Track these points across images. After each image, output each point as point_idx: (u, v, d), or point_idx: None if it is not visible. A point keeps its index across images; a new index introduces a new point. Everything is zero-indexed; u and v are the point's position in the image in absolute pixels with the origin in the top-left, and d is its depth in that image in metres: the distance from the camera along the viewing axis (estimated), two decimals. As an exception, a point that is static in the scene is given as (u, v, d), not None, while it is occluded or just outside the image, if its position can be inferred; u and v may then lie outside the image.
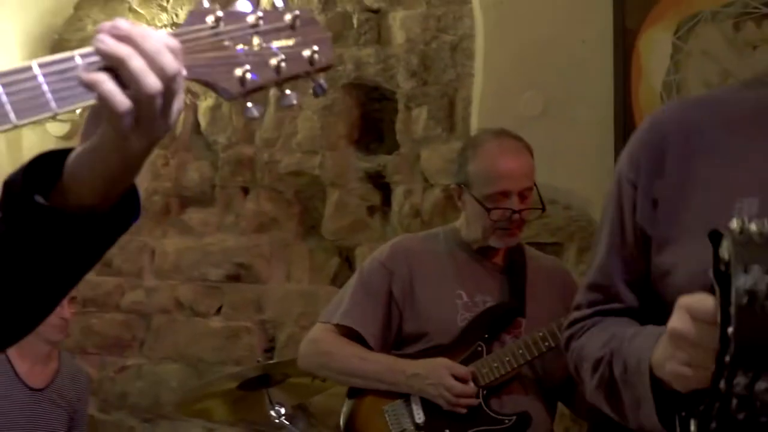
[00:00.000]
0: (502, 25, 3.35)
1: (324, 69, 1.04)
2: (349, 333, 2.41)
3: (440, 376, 2.31)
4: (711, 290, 1.03)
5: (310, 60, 1.02)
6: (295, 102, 1.04)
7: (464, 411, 2.31)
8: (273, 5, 1.04)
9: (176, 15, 3.97)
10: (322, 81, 1.05)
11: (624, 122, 3.15)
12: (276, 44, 1.01)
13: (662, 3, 3.15)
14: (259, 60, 0.99)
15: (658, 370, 1.16)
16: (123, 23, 0.91)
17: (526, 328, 2.41)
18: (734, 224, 1.02)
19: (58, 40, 4.17)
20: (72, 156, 0.94)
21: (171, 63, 0.89)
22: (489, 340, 2.38)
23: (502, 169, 2.36)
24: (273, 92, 1.03)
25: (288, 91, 1.03)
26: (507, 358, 2.33)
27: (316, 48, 1.03)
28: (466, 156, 2.44)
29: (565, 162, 3.14)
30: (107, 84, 0.88)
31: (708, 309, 1.01)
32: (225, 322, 3.80)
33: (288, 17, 1.03)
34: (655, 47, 3.11)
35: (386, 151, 3.60)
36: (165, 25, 3.93)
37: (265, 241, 3.74)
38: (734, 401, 0.97)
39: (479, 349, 2.37)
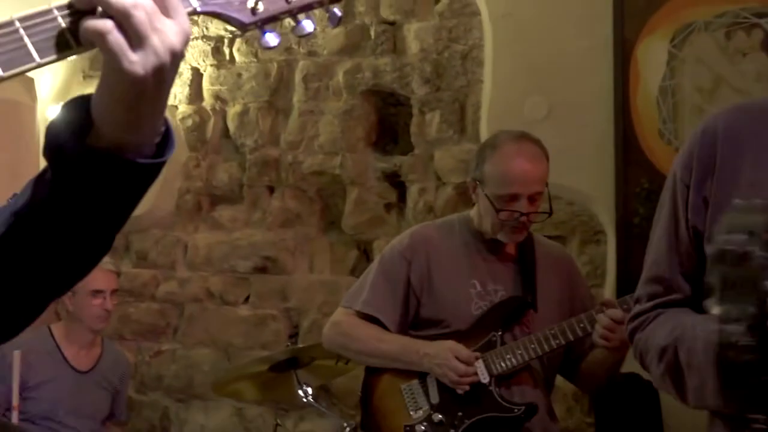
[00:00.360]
0: (509, 36, 3.36)
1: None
2: (370, 318, 2.43)
3: (446, 357, 2.31)
4: None
5: None
6: (310, 30, 0.97)
7: (467, 389, 2.32)
8: None
9: (207, 29, 3.95)
10: (336, 9, 0.98)
11: (623, 124, 3.18)
12: None
13: (658, 14, 3.18)
14: None
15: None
16: None
17: (536, 320, 2.41)
18: None
19: (96, 54, 4.16)
20: (93, 98, 0.90)
21: None
22: (503, 331, 2.39)
23: (515, 174, 2.33)
24: (288, 22, 0.97)
25: (302, 21, 0.96)
26: (519, 351, 2.34)
27: None
28: (485, 155, 2.42)
29: (568, 161, 3.12)
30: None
31: None
32: (252, 310, 3.80)
33: None
34: (651, 55, 3.15)
35: (401, 152, 3.64)
36: (197, 38, 3.96)
37: (289, 236, 3.76)
38: None
39: (494, 339, 2.38)
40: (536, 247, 2.51)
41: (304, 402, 2.82)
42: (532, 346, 2.33)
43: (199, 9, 0.90)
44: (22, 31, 0.84)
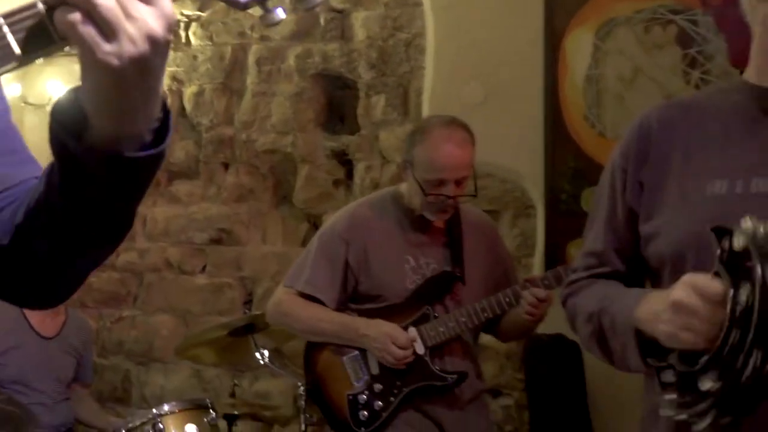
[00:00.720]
0: (449, 26, 3.38)
1: None
2: (309, 297, 2.39)
3: (384, 342, 2.31)
4: (716, 275, 1.08)
5: None
6: (281, 18, 0.87)
7: (404, 368, 2.32)
8: None
9: None
10: None
11: (552, 109, 3.21)
12: None
13: (585, 8, 3.22)
14: None
15: (642, 324, 1.23)
16: None
17: (464, 292, 2.41)
18: (747, 223, 1.05)
19: None
20: (81, 92, 0.84)
21: None
22: (434, 304, 2.38)
23: (443, 161, 2.29)
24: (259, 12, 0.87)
25: (276, 9, 0.87)
26: (451, 324, 2.35)
27: None
28: (415, 139, 2.38)
29: (502, 142, 3.17)
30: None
31: (717, 290, 1.06)
32: (209, 279, 3.82)
33: None
34: (578, 46, 3.21)
35: (349, 132, 3.66)
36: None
37: (243, 210, 3.77)
38: (746, 372, 1.00)
39: (427, 312, 2.38)
40: (462, 220, 2.48)
41: (261, 364, 2.84)
42: (463, 319, 2.35)
43: None
44: (5, 28, 0.78)
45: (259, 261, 3.74)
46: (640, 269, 1.40)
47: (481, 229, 2.57)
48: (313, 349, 2.47)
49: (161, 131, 0.82)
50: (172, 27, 0.78)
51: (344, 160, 3.67)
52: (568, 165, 3.16)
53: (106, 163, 0.81)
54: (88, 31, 0.75)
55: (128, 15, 0.76)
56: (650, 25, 3.14)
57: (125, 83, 0.77)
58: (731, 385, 1.02)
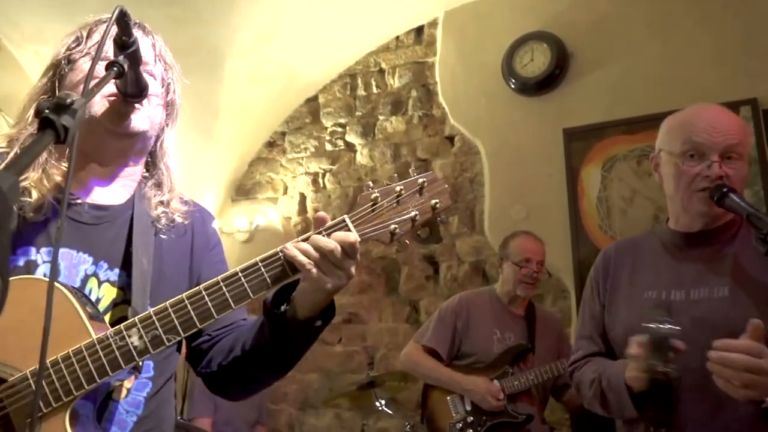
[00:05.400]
0: (498, 167, 3.58)
1: (444, 209, 0.99)
2: (430, 349, 2.48)
3: (482, 393, 2.36)
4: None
5: (434, 207, 0.98)
6: (416, 237, 0.95)
7: (495, 410, 2.37)
8: (410, 175, 1.00)
9: (308, 167, 4.08)
10: (442, 216, 0.99)
11: (576, 221, 3.36)
12: (412, 203, 0.97)
13: (593, 151, 3.39)
14: (402, 218, 0.96)
15: (629, 381, 1.27)
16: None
17: (534, 359, 2.47)
18: (651, 324, 1.16)
19: (239, 184, 4.24)
20: (296, 293, 0.94)
21: (336, 255, 0.86)
22: (512, 365, 2.43)
23: (527, 246, 2.49)
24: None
25: (419, 232, 0.97)
26: (523, 380, 2.40)
27: (437, 199, 0.98)
28: (507, 242, 2.55)
29: None
30: (300, 257, 0.89)
31: (639, 352, 1.19)
32: (343, 348, 3.84)
33: (420, 181, 0.98)
34: (591, 177, 3.36)
35: (435, 242, 3.01)
36: (302, 174, 4.07)
37: (365, 299, 3.82)
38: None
39: (507, 370, 2.42)
40: (536, 312, 2.57)
41: (380, 409, 2.87)
42: (531, 377, 2.40)
43: (360, 240, 0.94)
44: (262, 269, 0.89)
45: (377, 334, 3.75)
46: (609, 347, 1.45)
47: (549, 319, 2.61)
48: (428, 389, 2.53)
49: (330, 308, 0.97)
50: (358, 266, 0.90)
51: (432, 261, 3.69)
52: (590, 260, 2.92)
53: (303, 329, 0.94)
54: (318, 274, 0.88)
55: (341, 266, 0.90)
56: (641, 159, 3.29)
57: (328, 295, 0.92)
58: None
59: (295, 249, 0.90)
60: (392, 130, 3.86)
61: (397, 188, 0.96)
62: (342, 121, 4.07)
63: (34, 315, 0.77)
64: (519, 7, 3.60)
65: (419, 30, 3.90)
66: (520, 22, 3.55)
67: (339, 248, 0.88)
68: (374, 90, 3.99)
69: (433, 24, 3.85)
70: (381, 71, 3.97)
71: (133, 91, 1.01)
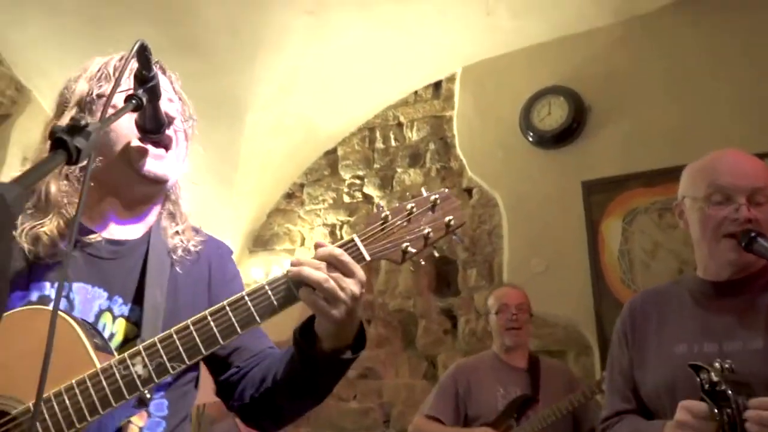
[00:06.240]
0: (517, 219, 3.51)
1: (458, 227, 0.96)
2: (434, 418, 2.54)
3: None
4: (701, 399, 1.14)
5: (448, 225, 0.96)
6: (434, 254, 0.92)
7: None
8: (422, 193, 0.97)
9: (326, 219, 4.08)
10: (457, 235, 0.97)
11: (597, 275, 3.26)
12: (425, 220, 0.95)
13: (613, 203, 3.33)
14: (414, 236, 0.94)
15: None
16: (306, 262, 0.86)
17: (540, 409, 2.49)
18: (716, 364, 1.13)
19: (257, 235, 4.24)
20: (315, 327, 0.94)
21: (330, 282, 0.84)
22: (518, 417, 2.48)
23: (502, 293, 2.62)
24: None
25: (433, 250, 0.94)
26: (529, 429, 2.43)
27: (451, 216, 0.96)
28: (486, 300, 2.66)
29: (562, 300, 3.25)
30: (304, 271, 0.87)
31: (704, 409, 1.12)
32: (359, 404, 3.77)
33: (432, 198, 0.96)
34: (611, 230, 3.28)
35: (453, 295, 3.65)
36: (319, 225, 4.09)
37: (381, 353, 3.76)
38: None
39: (511, 424, 2.47)
40: (541, 364, 2.61)
41: None
42: (536, 423, 2.43)
43: (368, 258, 0.91)
44: (269, 291, 0.89)
45: (394, 390, 3.70)
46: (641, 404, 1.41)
47: (554, 367, 2.64)
48: None
49: (360, 338, 0.95)
50: (364, 285, 0.88)
51: (450, 315, 3.65)
52: (612, 314, 3.07)
53: (329, 360, 0.93)
54: (322, 303, 0.87)
55: (341, 287, 0.86)
56: (662, 211, 3.24)
57: (343, 324, 0.89)
58: None
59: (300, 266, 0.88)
60: (410, 182, 3.87)
61: (408, 206, 0.94)
62: (360, 173, 4.11)
63: (39, 346, 0.74)
64: (535, 63, 3.64)
65: (437, 85, 3.96)
66: (536, 76, 3.58)
67: (324, 264, 0.86)
68: (392, 143, 4.03)
69: (451, 79, 3.90)
70: (399, 125, 4.01)
71: (151, 126, 1.02)
